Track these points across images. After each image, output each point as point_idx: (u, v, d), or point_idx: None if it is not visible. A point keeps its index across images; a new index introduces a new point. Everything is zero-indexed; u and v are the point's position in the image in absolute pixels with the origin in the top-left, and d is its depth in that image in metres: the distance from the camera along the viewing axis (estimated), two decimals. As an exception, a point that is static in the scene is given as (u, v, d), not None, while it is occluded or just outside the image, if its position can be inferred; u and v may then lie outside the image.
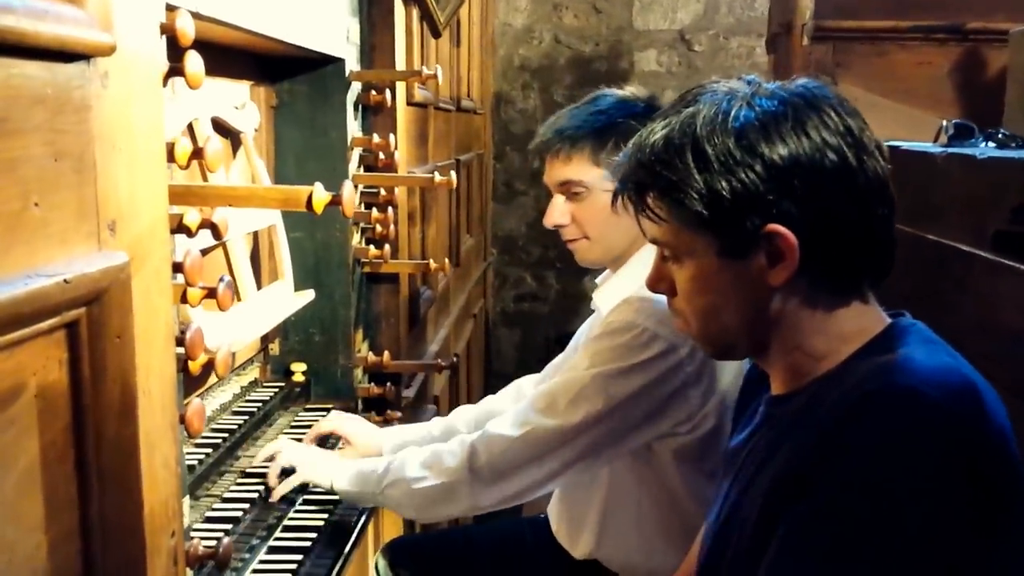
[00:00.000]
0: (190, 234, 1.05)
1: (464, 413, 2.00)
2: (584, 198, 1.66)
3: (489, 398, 2.05)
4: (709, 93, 1.02)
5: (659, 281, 1.08)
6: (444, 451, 1.59)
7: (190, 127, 1.44)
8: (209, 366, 1.15)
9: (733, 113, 0.97)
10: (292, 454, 1.66)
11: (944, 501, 0.84)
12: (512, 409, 1.61)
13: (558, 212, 1.68)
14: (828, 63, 2.54)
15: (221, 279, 1.06)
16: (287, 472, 1.64)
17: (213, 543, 1.38)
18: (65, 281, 0.69)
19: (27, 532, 0.71)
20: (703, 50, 4.48)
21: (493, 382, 4.87)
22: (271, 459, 1.67)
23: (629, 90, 1.71)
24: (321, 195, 1.04)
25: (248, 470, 1.69)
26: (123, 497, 0.82)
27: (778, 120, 0.96)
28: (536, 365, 4.74)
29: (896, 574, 0.85)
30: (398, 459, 1.63)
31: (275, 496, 1.58)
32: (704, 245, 1.00)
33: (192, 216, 1.03)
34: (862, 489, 0.85)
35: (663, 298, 1.54)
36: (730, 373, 1.57)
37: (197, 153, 1.02)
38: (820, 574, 0.87)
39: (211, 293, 1.06)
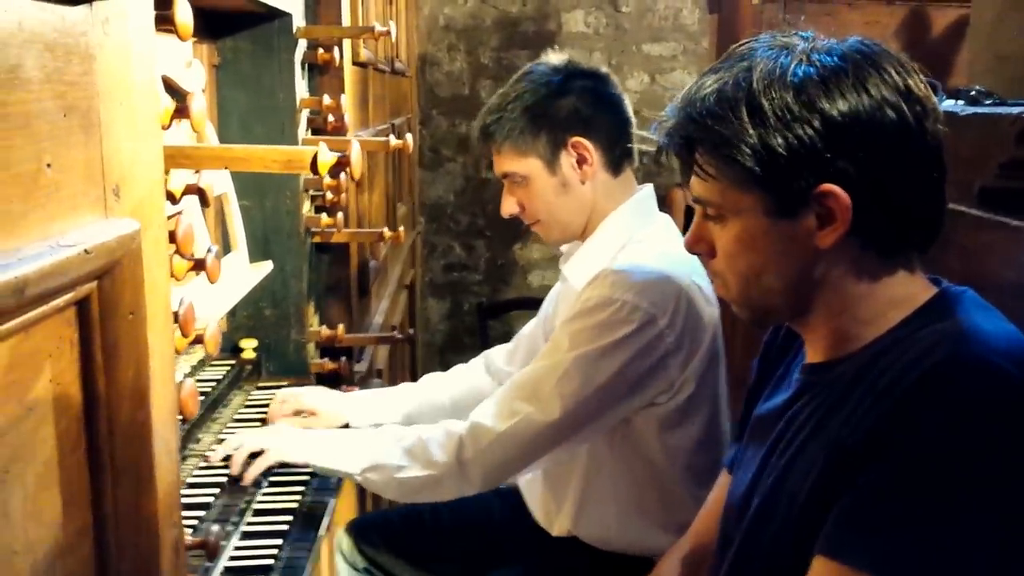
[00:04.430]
0: (174, 200, 0.97)
1: (436, 384, 1.94)
2: (526, 186, 1.66)
3: (460, 368, 2.00)
4: (763, 48, 0.98)
5: (698, 242, 1.04)
6: (430, 440, 1.54)
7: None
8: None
9: (792, 68, 0.94)
10: (258, 438, 1.57)
11: (1014, 474, 0.83)
12: (494, 395, 1.57)
13: (508, 202, 1.70)
14: (778, 22, 2.56)
15: (209, 249, 0.99)
16: (254, 456, 1.56)
17: (189, 531, 1.31)
18: (86, 252, 0.62)
19: (47, 529, 0.64)
20: (630, 11, 4.46)
21: (424, 353, 4.81)
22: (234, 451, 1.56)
23: (550, 62, 1.68)
24: (326, 156, 0.97)
25: (209, 462, 1.60)
26: (137, 488, 0.75)
27: (838, 76, 0.93)
28: (465, 335, 4.74)
29: (961, 545, 0.83)
30: (379, 441, 1.57)
31: (248, 479, 1.50)
32: (752, 204, 0.97)
33: (177, 180, 0.95)
34: (935, 460, 0.84)
35: (639, 268, 1.54)
36: (707, 338, 1.57)
37: (181, 112, 0.94)
38: (888, 544, 0.85)
39: (198, 265, 0.98)
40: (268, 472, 1.57)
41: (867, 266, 0.98)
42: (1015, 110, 1.25)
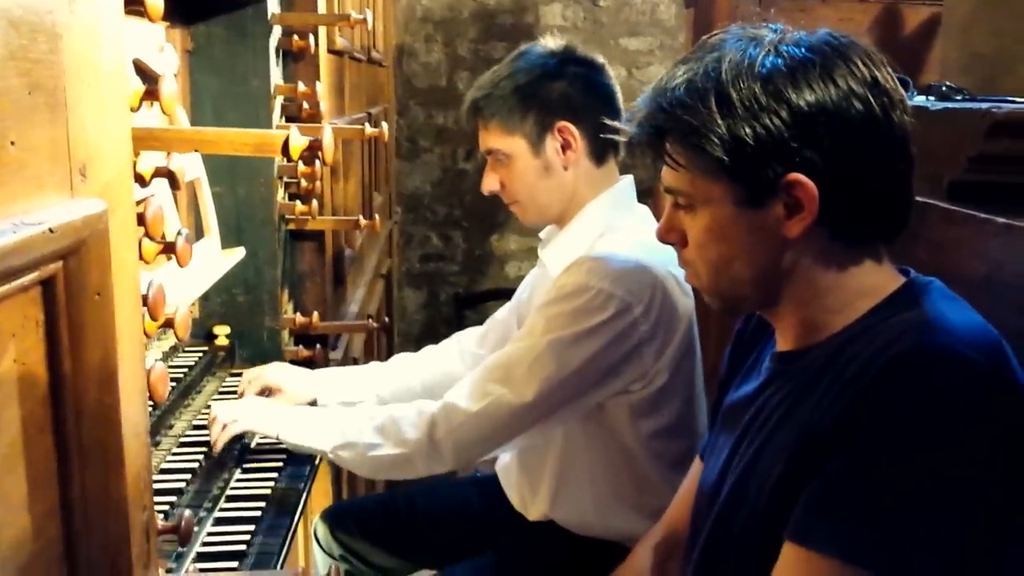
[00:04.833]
0: (144, 183, 0.96)
1: (408, 368, 1.95)
2: (508, 165, 1.66)
3: (430, 349, 2.00)
4: (733, 39, 0.99)
5: (670, 231, 1.06)
6: (402, 419, 1.55)
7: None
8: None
9: (760, 59, 0.95)
10: (231, 409, 1.59)
11: (981, 462, 0.85)
12: (468, 377, 1.58)
13: (489, 179, 1.70)
14: (752, 17, 2.57)
15: (179, 232, 0.98)
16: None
17: (161, 516, 1.31)
18: (50, 230, 0.61)
19: (13, 512, 0.63)
20: (608, 5, 4.47)
21: (400, 342, 4.80)
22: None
23: (547, 45, 1.68)
24: (298, 140, 0.97)
25: (183, 439, 1.60)
26: (105, 471, 0.74)
27: (806, 67, 0.94)
28: (442, 325, 4.74)
29: (928, 533, 0.85)
30: (351, 420, 1.58)
31: (217, 446, 1.52)
32: (721, 193, 0.98)
33: (147, 163, 0.95)
34: (901, 448, 0.85)
35: (616, 257, 1.55)
36: (682, 328, 1.58)
37: (151, 94, 0.93)
38: (855, 530, 0.86)
39: (168, 248, 0.98)
40: (243, 456, 1.59)
41: (835, 256, 0.99)
42: (985, 105, 1.28)
